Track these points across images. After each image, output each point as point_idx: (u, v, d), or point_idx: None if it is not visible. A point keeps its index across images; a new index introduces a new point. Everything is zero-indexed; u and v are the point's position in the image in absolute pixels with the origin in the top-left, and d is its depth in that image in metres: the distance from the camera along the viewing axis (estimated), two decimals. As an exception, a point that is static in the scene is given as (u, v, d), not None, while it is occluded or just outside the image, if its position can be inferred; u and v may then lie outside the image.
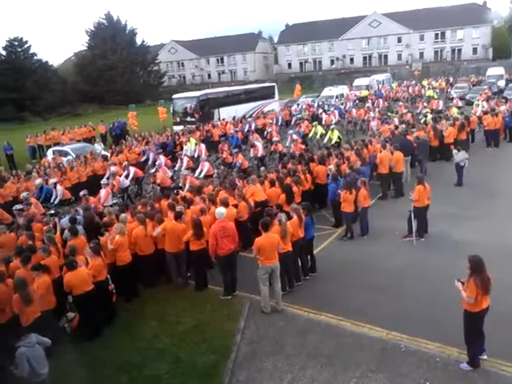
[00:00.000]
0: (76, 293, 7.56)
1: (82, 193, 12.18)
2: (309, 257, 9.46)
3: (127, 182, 14.99)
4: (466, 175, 14.30)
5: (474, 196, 13.28)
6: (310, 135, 21.51)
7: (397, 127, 18.71)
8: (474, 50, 66.57)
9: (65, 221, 10.15)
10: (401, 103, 29.75)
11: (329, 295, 8.58)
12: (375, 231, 11.33)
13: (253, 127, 23.77)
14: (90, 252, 8.04)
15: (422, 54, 69.27)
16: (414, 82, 45.78)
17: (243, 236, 9.95)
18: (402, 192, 13.72)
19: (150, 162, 18.35)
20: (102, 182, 13.77)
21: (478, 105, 24.05)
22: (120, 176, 14.80)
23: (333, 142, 19.45)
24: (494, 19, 70.29)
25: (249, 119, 26.56)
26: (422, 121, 20.43)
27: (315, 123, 22.28)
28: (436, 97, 33.17)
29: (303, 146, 18.50)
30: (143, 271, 9.38)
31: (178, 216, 9.12)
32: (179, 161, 17.41)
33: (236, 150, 18.02)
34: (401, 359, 6.54)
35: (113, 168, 15.23)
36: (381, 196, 14.01)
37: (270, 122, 25.72)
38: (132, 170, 15.63)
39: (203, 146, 19.23)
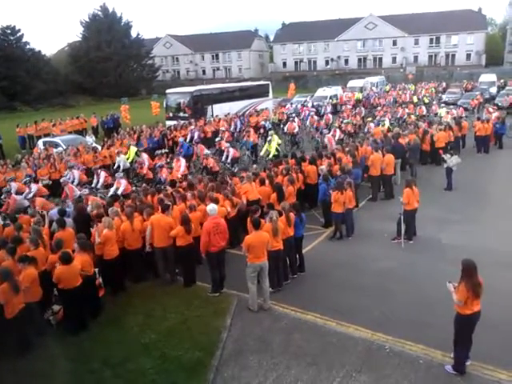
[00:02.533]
0: (63, 286, 7.51)
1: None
2: (297, 256, 9.49)
3: (26, 202, 12.41)
4: (454, 180, 14.44)
5: (463, 200, 13.41)
6: (262, 152, 18.14)
7: (389, 130, 18.82)
8: (468, 56, 67.18)
9: (53, 213, 10.06)
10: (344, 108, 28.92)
11: (316, 295, 8.61)
12: (364, 232, 11.39)
13: (196, 136, 20.94)
14: (77, 248, 7.96)
15: (416, 58, 69.71)
16: (408, 85, 45.64)
17: (231, 234, 9.94)
18: (393, 194, 13.81)
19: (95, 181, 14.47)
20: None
21: (447, 111, 24.16)
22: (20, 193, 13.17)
23: (270, 155, 17.13)
24: (488, 26, 70.95)
25: (191, 127, 22.59)
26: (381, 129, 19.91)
27: (271, 132, 19.40)
28: (427, 101, 33.39)
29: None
30: (131, 266, 9.34)
31: (166, 208, 9.09)
32: (95, 176, 14.53)
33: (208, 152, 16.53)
34: (385, 360, 6.59)
35: (13, 184, 13.68)
36: (371, 198, 14.09)
37: (223, 129, 22.38)
38: (76, 173, 14.51)
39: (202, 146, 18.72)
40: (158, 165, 15.04)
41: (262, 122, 24.93)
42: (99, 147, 19.47)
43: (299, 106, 32.46)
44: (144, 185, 12.68)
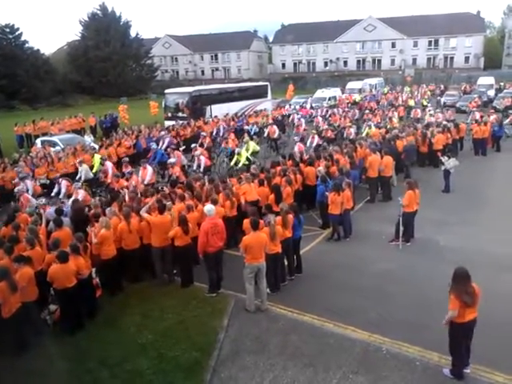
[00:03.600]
0: (57, 286, 7.49)
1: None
2: (295, 257, 9.49)
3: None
4: (452, 182, 14.47)
5: (460, 203, 13.44)
6: (233, 162, 16.57)
7: (387, 131, 18.85)
8: (466, 59, 67.31)
9: (51, 212, 10.04)
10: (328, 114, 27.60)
11: (313, 296, 8.61)
12: (362, 234, 11.40)
13: (166, 142, 19.70)
14: (69, 251, 7.74)
15: (414, 60, 69.85)
16: (405, 88, 45.40)
17: (229, 234, 9.93)
18: (390, 196, 13.83)
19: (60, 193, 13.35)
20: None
21: (431, 115, 24.21)
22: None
23: (240, 164, 16.07)
24: (486, 29, 71.19)
25: (162, 133, 21.29)
26: (364, 133, 19.90)
27: (246, 139, 18.47)
28: (425, 103, 33.34)
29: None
30: (128, 266, 9.32)
31: (163, 209, 9.07)
32: (56, 185, 13.75)
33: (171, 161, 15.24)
34: (382, 362, 6.59)
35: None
36: (369, 199, 14.11)
37: (204, 133, 20.89)
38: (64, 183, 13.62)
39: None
40: (127, 172, 14.05)
41: (246, 127, 23.91)
42: (97, 147, 19.44)
43: (297, 107, 32.49)
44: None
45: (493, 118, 21.36)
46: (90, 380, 6.58)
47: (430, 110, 26.06)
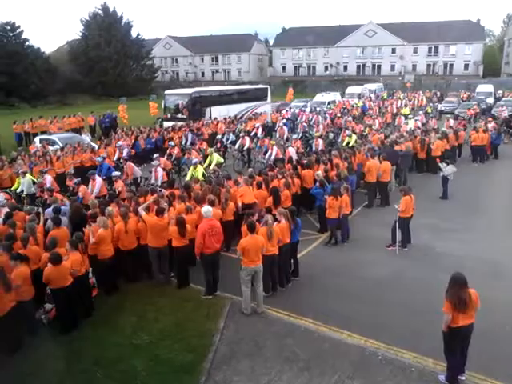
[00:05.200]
0: (53, 286, 7.47)
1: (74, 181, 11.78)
2: (292, 261, 9.48)
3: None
4: (450, 188, 14.50)
5: (458, 209, 13.47)
6: (189, 176, 14.30)
7: (386, 137, 18.89)
8: (466, 66, 67.57)
9: (49, 211, 10.01)
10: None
11: (310, 300, 8.61)
12: (360, 239, 11.41)
13: (124, 154, 18.01)
14: (69, 246, 7.89)
15: (414, 67, 70.07)
16: (402, 95, 44.45)
17: (226, 236, 9.92)
18: (388, 201, 13.85)
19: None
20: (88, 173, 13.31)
21: (407, 123, 23.91)
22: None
23: (187, 178, 14.41)
24: (486, 37, 71.52)
25: (119, 143, 19.03)
26: (344, 143, 19.17)
27: (210, 150, 17.03)
28: (430, 111, 33.03)
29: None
30: (125, 266, 9.30)
31: (160, 212, 9.06)
32: None
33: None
34: (377, 367, 6.59)
35: (48, 177, 13.52)
36: (367, 204, 14.13)
37: (172, 143, 19.10)
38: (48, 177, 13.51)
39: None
40: (74, 182, 13.23)
41: (219, 136, 21.51)
42: (96, 146, 19.42)
43: (297, 110, 32.51)
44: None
45: (491, 125, 21.45)
46: (84, 380, 6.55)
47: (411, 118, 25.42)
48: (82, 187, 12.41)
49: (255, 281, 8.08)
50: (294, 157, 15.43)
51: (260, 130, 22.95)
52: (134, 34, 67.13)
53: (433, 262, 9.95)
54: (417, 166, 18.17)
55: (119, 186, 12.85)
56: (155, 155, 16.13)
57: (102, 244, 8.64)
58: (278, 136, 22.59)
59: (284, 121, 26.49)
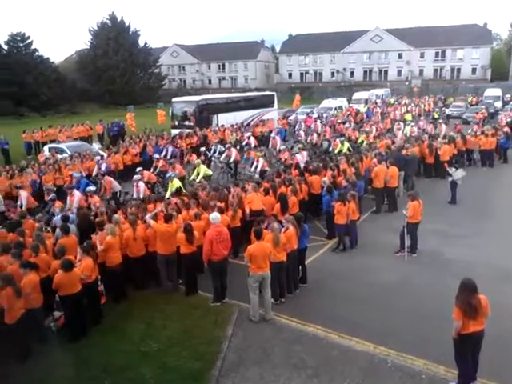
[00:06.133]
0: (62, 293, 7.52)
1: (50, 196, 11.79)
2: (300, 267, 9.45)
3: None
4: (458, 193, 14.40)
5: (466, 214, 13.35)
6: (167, 195, 13.18)
7: (393, 142, 18.83)
8: (473, 71, 67.25)
9: (57, 219, 10.09)
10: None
11: (318, 307, 8.56)
12: (368, 245, 11.35)
13: (103, 168, 17.16)
14: (81, 251, 7.99)
15: (421, 72, 69.88)
16: (406, 101, 43.66)
17: (234, 243, 9.94)
18: (396, 207, 13.78)
19: None
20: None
21: (399, 128, 23.73)
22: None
23: (167, 195, 13.39)
24: (493, 41, 71.20)
25: (97, 158, 18.13)
26: (336, 151, 18.83)
27: (198, 161, 16.34)
28: (437, 116, 32.72)
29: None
30: (133, 273, 9.33)
31: (168, 219, 9.10)
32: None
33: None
34: (387, 374, 6.53)
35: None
36: (374, 210, 14.07)
37: (156, 156, 18.34)
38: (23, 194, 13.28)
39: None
40: (50, 197, 12.60)
41: (202, 149, 19.94)
42: (105, 154, 19.59)
43: (301, 116, 32.46)
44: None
45: (505, 130, 21.30)
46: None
47: (408, 124, 25.15)
48: (58, 203, 11.64)
49: (263, 287, 8.06)
50: (302, 164, 15.42)
51: (252, 139, 22.79)
52: (141, 42, 67.84)
53: (441, 267, 9.86)
54: (425, 170, 18.07)
55: (96, 201, 12.10)
56: (138, 169, 15.60)
57: (110, 251, 8.68)
58: (270, 146, 22.18)
59: (277, 130, 26.11)
